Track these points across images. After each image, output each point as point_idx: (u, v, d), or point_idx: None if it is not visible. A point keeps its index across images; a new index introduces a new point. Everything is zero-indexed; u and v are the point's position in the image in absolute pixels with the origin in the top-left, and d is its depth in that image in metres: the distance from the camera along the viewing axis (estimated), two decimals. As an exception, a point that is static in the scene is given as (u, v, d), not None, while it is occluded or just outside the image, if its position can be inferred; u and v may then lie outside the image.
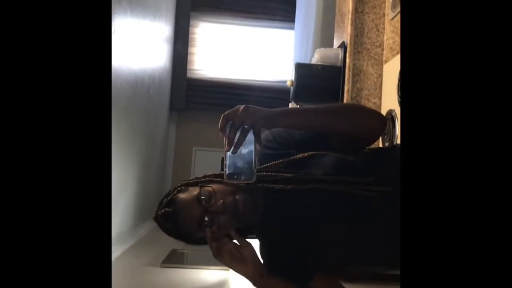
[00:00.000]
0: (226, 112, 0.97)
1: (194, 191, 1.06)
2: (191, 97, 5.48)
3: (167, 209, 1.07)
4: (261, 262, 1.07)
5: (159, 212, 1.08)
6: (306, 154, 1.06)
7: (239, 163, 0.98)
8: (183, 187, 1.10)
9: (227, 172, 0.98)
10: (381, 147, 1.21)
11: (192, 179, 1.11)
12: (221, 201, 1.02)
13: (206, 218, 1.02)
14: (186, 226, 1.06)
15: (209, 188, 1.05)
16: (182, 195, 1.08)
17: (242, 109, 0.96)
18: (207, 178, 1.09)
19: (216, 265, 2.88)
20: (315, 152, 1.06)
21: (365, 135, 1.09)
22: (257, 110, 0.97)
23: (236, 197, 1.03)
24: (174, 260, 2.85)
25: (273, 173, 1.06)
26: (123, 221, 3.73)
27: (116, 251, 3.35)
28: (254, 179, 0.99)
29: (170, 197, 1.09)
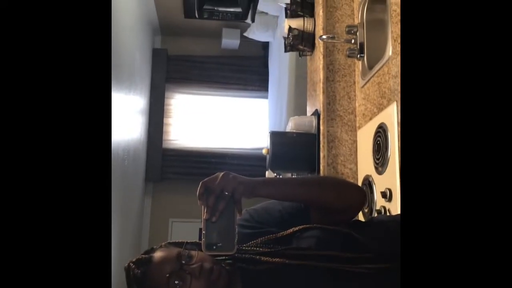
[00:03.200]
0: (205, 179, 0.94)
1: (176, 249, 1.02)
2: (166, 167, 5.44)
3: (143, 255, 1.03)
4: None
5: (133, 259, 1.03)
6: (291, 230, 1.02)
7: (219, 233, 0.93)
8: (167, 244, 1.06)
9: (205, 243, 0.93)
10: (359, 220, 1.18)
11: (179, 241, 1.07)
12: (199, 264, 0.97)
13: (176, 282, 0.96)
14: (154, 279, 0.99)
15: (193, 251, 1.00)
16: (163, 249, 1.04)
17: (222, 175, 0.94)
18: (193, 243, 1.04)
19: None
20: (302, 227, 1.02)
21: (346, 208, 1.06)
22: (237, 177, 0.95)
23: (215, 267, 0.98)
24: None
25: (255, 248, 1.01)
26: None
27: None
28: (235, 250, 0.94)
29: (151, 249, 1.06)
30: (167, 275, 0.97)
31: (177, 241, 1.07)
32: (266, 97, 5.41)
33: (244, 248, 1.00)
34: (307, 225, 1.02)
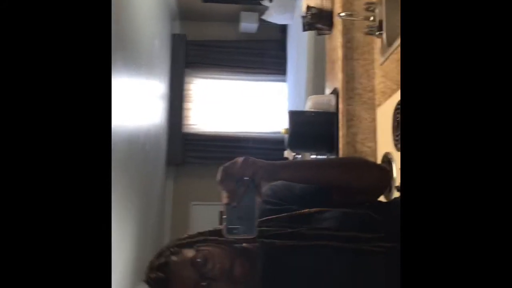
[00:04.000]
0: (225, 164, 0.93)
1: (189, 253, 0.99)
2: (187, 151, 5.49)
3: (160, 274, 1.00)
4: None
5: (151, 275, 1.02)
6: (313, 210, 1.02)
7: (239, 217, 0.93)
8: (176, 249, 1.03)
9: (226, 227, 0.93)
10: (381, 201, 1.17)
11: (185, 238, 1.05)
12: (218, 265, 0.96)
13: (202, 284, 0.96)
14: None
15: (206, 252, 0.98)
16: (176, 258, 1.00)
17: (242, 160, 0.93)
18: (202, 238, 1.03)
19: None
20: (321, 209, 1.02)
21: (368, 189, 1.05)
22: (257, 162, 0.94)
23: (236, 262, 0.97)
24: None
25: (274, 228, 1.02)
26: (122, 280, 3.63)
27: (114, 313, 3.23)
28: (255, 234, 0.94)
29: (163, 260, 1.02)
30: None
31: (184, 239, 1.05)
32: (285, 80, 5.40)
33: (264, 228, 1.01)
34: (326, 208, 1.02)
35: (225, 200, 0.92)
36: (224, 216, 0.93)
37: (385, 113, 1.97)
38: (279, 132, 2.81)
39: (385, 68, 2.03)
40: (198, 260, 0.97)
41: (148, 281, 1.02)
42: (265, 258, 1.02)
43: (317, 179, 1.03)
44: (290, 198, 1.06)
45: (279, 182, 1.10)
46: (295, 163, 1.11)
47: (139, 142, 4.17)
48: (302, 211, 1.02)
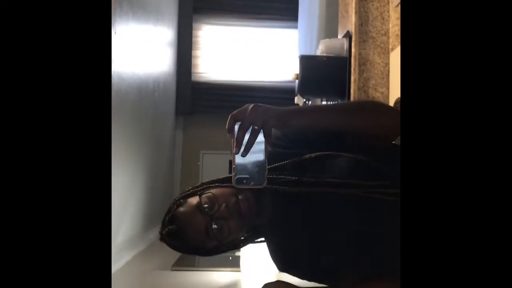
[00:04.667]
0: (234, 112, 0.91)
1: (194, 201, 1.01)
2: (196, 100, 5.46)
3: (170, 226, 1.02)
4: None
5: (163, 231, 1.03)
6: (313, 154, 1.01)
7: (249, 167, 0.92)
8: (181, 200, 1.05)
9: (236, 177, 0.92)
10: (396, 144, 1.14)
11: (188, 190, 1.06)
12: (224, 204, 0.98)
13: (214, 226, 0.97)
14: (193, 240, 1.01)
15: (209, 194, 1.00)
16: (183, 209, 1.03)
17: (251, 108, 0.91)
18: (204, 186, 1.04)
19: (228, 266, 2.85)
20: (324, 153, 1.01)
21: (382, 133, 1.03)
22: (268, 109, 0.92)
23: (240, 197, 0.98)
24: (184, 263, 2.81)
25: (278, 176, 1.00)
26: (132, 226, 3.70)
27: (126, 256, 3.32)
28: (265, 183, 0.93)
29: (171, 214, 1.04)
30: (204, 232, 0.98)
31: (188, 190, 1.06)
32: (296, 27, 5.26)
33: (272, 176, 1.00)
34: (331, 152, 1.00)
35: (234, 149, 0.90)
36: (234, 166, 0.91)
37: (399, 58, 1.92)
38: (290, 81, 2.77)
39: (400, 11, 1.95)
40: (205, 205, 0.97)
41: (162, 238, 1.03)
42: (273, 204, 1.01)
43: (331, 126, 1.00)
44: (301, 141, 1.04)
45: None
46: (308, 109, 1.08)
47: (148, 90, 4.15)
48: (310, 155, 1.00)
